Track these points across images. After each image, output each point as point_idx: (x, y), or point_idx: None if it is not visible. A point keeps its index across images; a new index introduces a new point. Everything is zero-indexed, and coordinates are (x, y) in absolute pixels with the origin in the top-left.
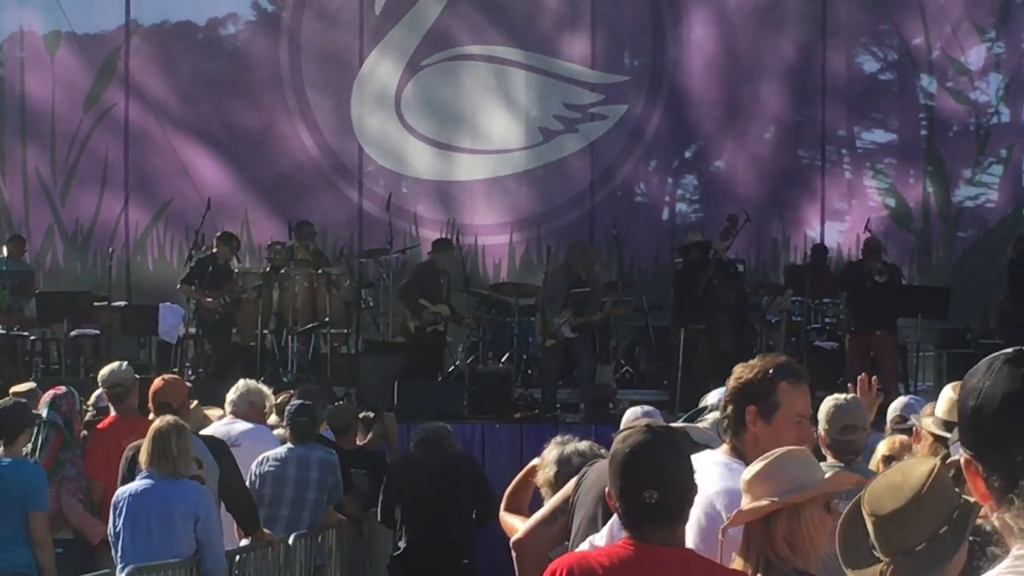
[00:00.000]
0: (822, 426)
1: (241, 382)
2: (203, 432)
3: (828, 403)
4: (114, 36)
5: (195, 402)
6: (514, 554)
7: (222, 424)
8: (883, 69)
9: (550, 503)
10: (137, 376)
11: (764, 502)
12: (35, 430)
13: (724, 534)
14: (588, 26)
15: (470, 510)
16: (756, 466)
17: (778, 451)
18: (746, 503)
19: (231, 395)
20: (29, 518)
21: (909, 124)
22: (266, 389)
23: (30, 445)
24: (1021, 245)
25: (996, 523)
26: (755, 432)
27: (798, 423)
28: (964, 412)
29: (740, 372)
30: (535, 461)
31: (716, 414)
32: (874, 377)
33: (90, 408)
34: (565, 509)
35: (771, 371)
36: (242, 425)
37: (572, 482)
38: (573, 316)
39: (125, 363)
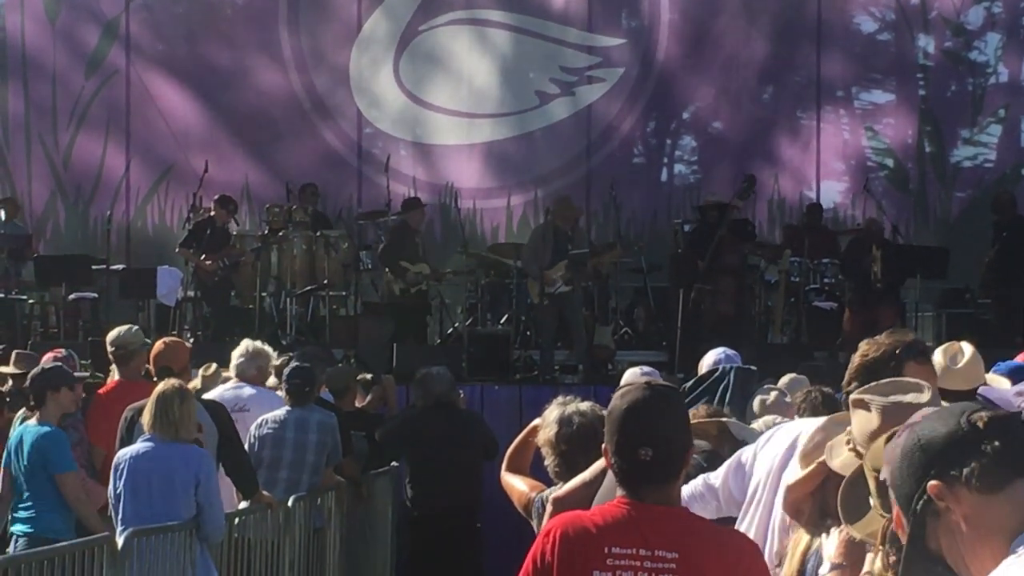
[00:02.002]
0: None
1: (245, 344)
2: (207, 396)
3: None
4: (112, 0)
5: (214, 365)
6: (549, 508)
7: (230, 388)
8: (881, 29)
9: (594, 466)
10: (147, 340)
11: (810, 468)
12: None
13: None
14: None
15: (480, 474)
16: (811, 441)
17: (825, 419)
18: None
19: (236, 358)
20: (57, 481)
21: (907, 84)
22: (269, 349)
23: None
24: (1000, 206)
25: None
26: None
27: None
28: (915, 462)
29: (866, 350)
30: (537, 421)
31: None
32: None
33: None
34: (607, 470)
35: (899, 351)
36: (249, 389)
37: None
38: (567, 271)
39: (134, 327)
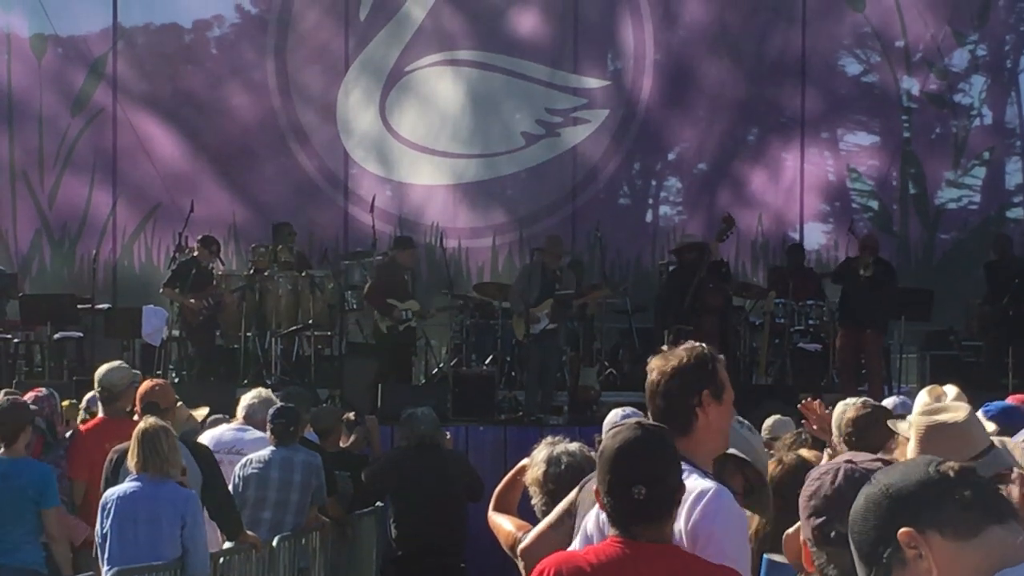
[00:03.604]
0: (834, 430)
1: (258, 390)
2: (214, 435)
3: (840, 407)
4: (100, 39)
5: (179, 402)
6: (521, 563)
7: (232, 428)
8: (865, 71)
9: (557, 509)
10: (136, 373)
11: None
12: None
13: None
14: (571, 31)
15: (465, 513)
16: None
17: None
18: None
19: (248, 401)
20: (43, 516)
21: (891, 126)
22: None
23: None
24: (1001, 245)
25: None
26: (708, 416)
27: (731, 403)
28: (882, 511)
29: (676, 362)
30: (524, 461)
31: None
32: (818, 401)
33: (82, 412)
34: (571, 512)
35: (707, 352)
36: (255, 433)
37: (573, 492)
38: (552, 310)
39: (123, 365)
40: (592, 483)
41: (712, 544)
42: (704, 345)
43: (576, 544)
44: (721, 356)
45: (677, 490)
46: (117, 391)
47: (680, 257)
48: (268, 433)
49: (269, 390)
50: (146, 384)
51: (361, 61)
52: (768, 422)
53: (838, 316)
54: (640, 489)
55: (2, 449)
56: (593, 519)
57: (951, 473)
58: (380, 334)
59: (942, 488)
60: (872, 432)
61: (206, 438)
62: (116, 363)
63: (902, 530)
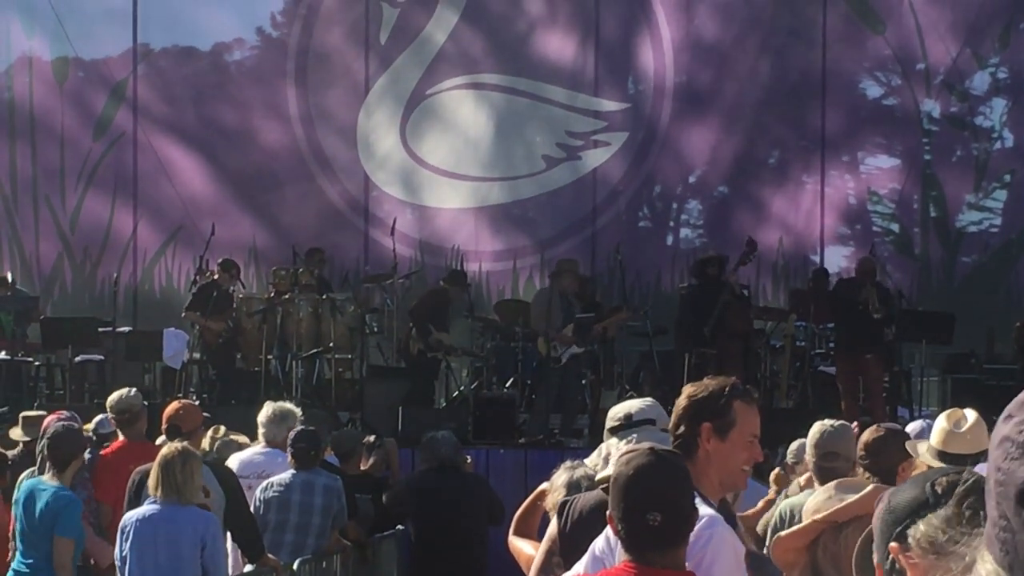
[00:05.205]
0: (808, 451)
1: (270, 407)
2: (242, 459)
3: (815, 428)
4: (121, 62)
5: (223, 428)
6: None
7: (260, 452)
8: (886, 94)
9: (539, 556)
10: (146, 403)
11: (803, 524)
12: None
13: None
14: (591, 54)
15: (486, 537)
16: (815, 500)
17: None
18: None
19: (263, 424)
20: (55, 542)
21: (912, 149)
22: (294, 407)
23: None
24: None
25: None
26: (708, 449)
27: (750, 443)
28: (885, 525)
29: (692, 390)
30: (544, 485)
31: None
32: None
33: (90, 434)
34: (555, 551)
35: (726, 390)
36: (283, 455)
37: (553, 524)
38: (574, 334)
39: (134, 389)
40: (578, 510)
41: (701, 570)
42: (734, 381)
43: (583, 564)
44: (752, 396)
45: (691, 515)
46: (135, 412)
47: (701, 273)
48: (288, 456)
49: (283, 401)
50: (172, 406)
51: (382, 84)
52: (792, 446)
53: (833, 342)
54: (655, 516)
55: (50, 474)
56: (603, 541)
57: (939, 489)
58: (409, 354)
59: (928, 505)
60: (884, 455)
61: (234, 462)
62: (126, 389)
63: (890, 545)
